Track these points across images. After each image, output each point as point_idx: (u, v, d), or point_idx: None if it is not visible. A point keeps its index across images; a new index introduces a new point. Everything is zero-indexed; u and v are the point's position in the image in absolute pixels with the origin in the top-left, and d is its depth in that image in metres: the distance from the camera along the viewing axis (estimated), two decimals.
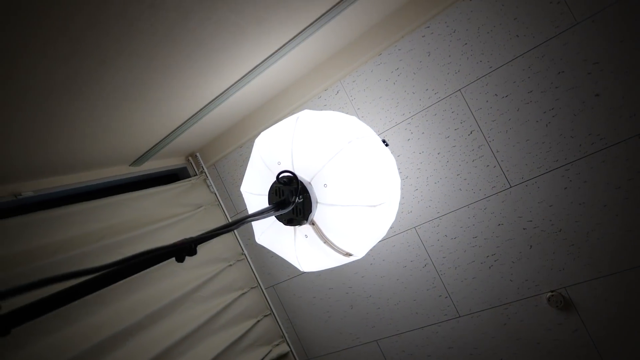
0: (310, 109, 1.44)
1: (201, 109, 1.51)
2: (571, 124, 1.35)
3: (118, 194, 1.54)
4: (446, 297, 1.63)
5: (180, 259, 0.69)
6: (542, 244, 1.44)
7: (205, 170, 1.99)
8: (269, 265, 1.97)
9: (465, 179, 1.51)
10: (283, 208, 1.02)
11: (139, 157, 1.64)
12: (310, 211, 1.07)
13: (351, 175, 1.05)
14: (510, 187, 1.45)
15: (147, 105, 1.27)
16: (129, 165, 1.68)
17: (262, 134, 1.19)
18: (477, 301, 1.58)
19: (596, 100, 1.31)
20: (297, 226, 1.12)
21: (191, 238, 0.71)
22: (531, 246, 1.46)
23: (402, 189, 1.60)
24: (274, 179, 1.07)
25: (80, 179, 1.47)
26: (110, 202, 1.49)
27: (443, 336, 1.66)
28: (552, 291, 1.45)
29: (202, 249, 1.78)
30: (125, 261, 0.60)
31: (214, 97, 1.47)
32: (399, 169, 1.58)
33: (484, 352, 1.60)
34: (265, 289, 2.00)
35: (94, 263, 0.57)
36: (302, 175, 1.07)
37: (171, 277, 1.60)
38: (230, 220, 1.98)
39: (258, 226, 1.27)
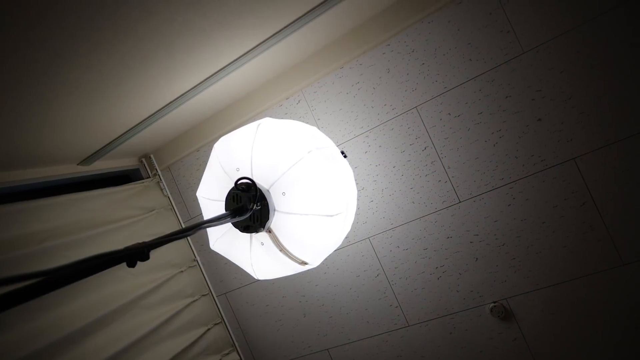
0: (271, 116, 1.45)
1: (159, 110, 1.47)
2: (516, 145, 1.44)
3: (64, 193, 1.46)
4: (396, 307, 1.67)
5: (131, 264, 0.67)
6: (487, 257, 1.52)
7: (159, 172, 1.94)
8: (221, 272, 1.94)
9: (418, 193, 1.57)
10: (240, 215, 1.02)
11: (89, 156, 1.57)
12: (268, 219, 1.07)
13: (310, 184, 1.06)
14: (460, 202, 1.52)
15: (102, 102, 1.22)
16: (77, 164, 1.60)
17: (222, 139, 1.18)
18: (425, 311, 1.63)
19: (538, 125, 1.41)
20: (253, 233, 1.12)
21: (144, 243, 0.70)
22: (477, 259, 1.53)
23: (358, 199, 1.63)
24: (232, 185, 1.06)
25: (22, 176, 1.38)
26: (55, 202, 1.41)
27: (392, 345, 1.70)
28: (494, 302, 1.53)
29: (153, 254, 1.72)
30: (73, 265, 0.58)
31: (173, 99, 1.44)
32: (356, 180, 1.62)
33: None
34: (217, 296, 1.96)
35: (35, 266, 0.55)
36: (261, 182, 1.07)
37: (118, 282, 1.54)
38: (183, 226, 1.94)
39: (213, 232, 1.25)
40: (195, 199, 1.90)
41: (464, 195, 1.52)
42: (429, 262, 1.60)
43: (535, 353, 1.51)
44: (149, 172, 1.95)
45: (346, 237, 1.69)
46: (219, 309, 1.95)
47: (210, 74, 1.39)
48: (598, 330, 1.42)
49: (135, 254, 0.68)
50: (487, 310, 1.54)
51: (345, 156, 1.25)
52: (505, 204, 1.47)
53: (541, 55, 1.39)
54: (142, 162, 1.95)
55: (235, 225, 1.10)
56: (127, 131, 1.51)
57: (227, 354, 1.88)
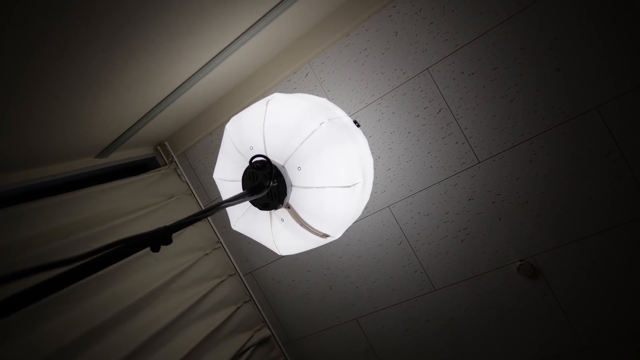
0: (280, 92, 1.43)
1: (168, 96, 1.47)
2: (534, 99, 1.39)
3: (85, 187, 1.49)
4: (421, 273, 1.67)
5: (155, 249, 0.68)
6: (511, 216, 1.49)
7: (175, 159, 1.95)
8: (245, 251, 1.97)
9: (435, 157, 1.54)
10: (258, 193, 1.01)
11: (105, 149, 1.58)
12: (285, 195, 1.07)
13: (324, 157, 1.05)
14: (479, 162, 1.49)
15: (110, 93, 1.22)
16: (95, 157, 1.62)
17: (233, 119, 1.17)
18: (451, 275, 1.63)
19: (557, 75, 1.35)
20: (272, 210, 1.12)
21: (165, 226, 0.70)
22: (500, 218, 1.51)
23: (375, 169, 1.62)
24: (247, 164, 1.06)
25: (43, 173, 1.41)
26: (77, 196, 1.43)
27: (420, 310, 1.71)
28: (520, 260, 1.51)
29: (177, 239, 1.76)
30: (98, 251, 0.58)
31: (180, 83, 1.43)
32: (371, 149, 1.60)
33: (459, 322, 1.66)
34: (243, 275, 2.00)
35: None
36: (276, 159, 1.07)
37: (146, 269, 1.57)
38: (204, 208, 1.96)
39: (233, 213, 1.26)
40: (213, 182, 1.91)
41: (483, 155, 1.48)
42: (451, 225, 1.58)
43: (565, 308, 1.49)
44: (165, 160, 1.97)
45: (366, 208, 1.68)
46: (246, 287, 1.98)
47: (215, 54, 1.37)
48: (628, 279, 1.40)
49: (158, 238, 0.68)
50: (514, 269, 1.53)
51: (358, 125, 1.23)
52: (526, 161, 1.43)
53: (556, 1, 1.32)
54: (157, 150, 1.97)
55: (254, 203, 1.11)
56: (139, 120, 1.52)
57: (259, 329, 1.93)
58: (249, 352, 1.81)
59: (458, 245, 1.59)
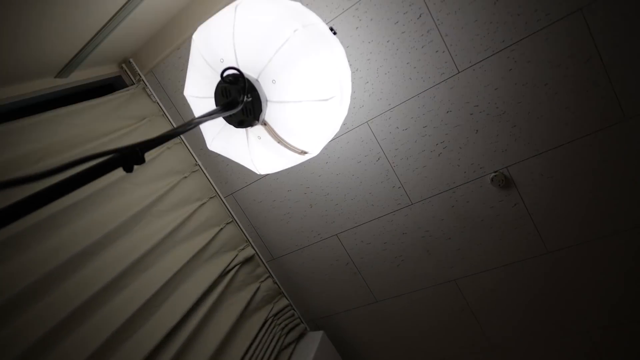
0: None
1: (126, 3, 1.33)
2: (518, 1, 1.32)
3: (49, 110, 1.40)
4: (399, 188, 1.71)
5: (128, 168, 0.64)
6: (487, 128, 1.50)
7: (143, 78, 1.84)
8: (225, 173, 1.95)
9: (414, 67, 1.50)
10: (232, 108, 0.97)
11: (65, 67, 1.47)
12: (261, 110, 1.03)
13: (299, 68, 1.00)
14: (458, 72, 1.45)
15: (61, 3, 1.10)
16: (55, 77, 1.51)
17: (199, 28, 1.09)
18: (427, 188, 1.67)
19: None
20: (248, 128, 1.09)
21: (135, 143, 0.66)
22: (477, 130, 1.51)
23: (352, 82, 1.56)
24: (219, 78, 1.00)
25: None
26: (41, 119, 1.35)
27: (397, 224, 1.78)
28: (495, 172, 1.55)
29: (153, 162, 1.72)
30: (67, 166, 0.55)
31: None
32: (348, 60, 1.54)
33: (435, 234, 1.74)
34: (224, 197, 2.00)
35: (37, 188, 0.52)
36: (249, 72, 1.01)
37: (124, 195, 1.55)
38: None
39: (208, 132, 1.22)
40: (186, 101, 1.83)
41: (463, 65, 1.44)
42: (429, 139, 1.59)
43: (533, 215, 1.57)
44: (133, 79, 1.85)
45: (344, 124, 1.66)
46: (228, 209, 2.00)
47: None
48: (597, 187, 1.46)
49: (129, 156, 0.65)
50: (487, 181, 1.57)
51: (334, 33, 1.16)
52: (506, 69, 1.41)
53: None
54: (122, 68, 1.84)
55: (229, 121, 1.07)
56: (97, 33, 1.39)
57: (243, 249, 1.98)
58: (234, 270, 1.88)
59: (435, 159, 1.61)
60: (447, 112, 1.52)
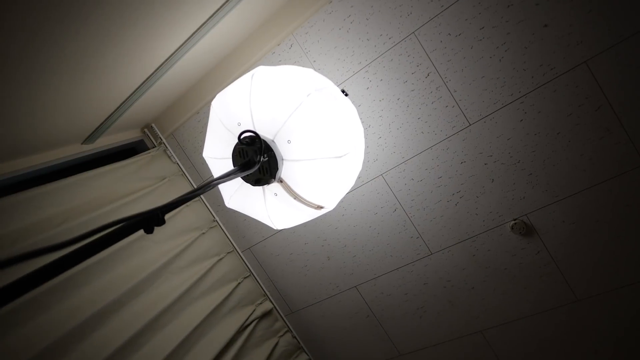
0: (264, 65, 1.40)
1: (150, 76, 1.43)
2: (523, 57, 1.37)
3: (73, 174, 1.47)
4: (417, 238, 1.69)
5: (148, 230, 0.67)
6: (503, 177, 1.50)
7: (164, 140, 1.92)
8: (242, 228, 1.98)
9: (426, 122, 1.53)
10: (249, 168, 1.01)
11: (91, 134, 1.55)
12: (277, 169, 1.07)
13: (314, 128, 1.04)
14: (470, 125, 1.48)
15: (90, 76, 1.18)
16: (81, 144, 1.59)
17: (218, 95, 1.15)
18: (446, 238, 1.65)
19: (545, 31, 1.33)
20: (265, 185, 1.12)
21: (157, 207, 0.69)
22: (493, 180, 1.52)
23: (365, 137, 1.61)
24: (236, 140, 1.05)
25: (29, 162, 1.38)
26: (67, 184, 1.42)
27: (417, 274, 1.75)
28: (514, 219, 1.53)
29: (172, 220, 1.76)
30: (90, 234, 0.57)
31: (162, 62, 1.40)
32: (360, 118, 1.58)
33: (457, 283, 1.70)
34: (241, 252, 2.01)
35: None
36: (265, 133, 1.05)
37: (143, 253, 1.58)
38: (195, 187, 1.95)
39: (226, 190, 1.25)
40: (204, 162, 1.90)
41: (474, 118, 1.47)
42: (444, 190, 1.59)
43: (559, 262, 1.53)
44: (154, 142, 1.94)
45: (359, 177, 1.68)
46: (245, 263, 2.00)
47: (195, 29, 1.33)
48: (621, 233, 1.42)
49: (150, 219, 0.68)
50: (507, 229, 1.55)
51: (346, 94, 1.21)
52: (517, 120, 1.43)
53: None
54: (145, 132, 1.94)
55: (246, 180, 1.10)
56: (122, 102, 1.48)
57: (261, 303, 1.96)
58: (252, 325, 1.85)
59: (452, 209, 1.60)
60: (461, 162, 1.53)
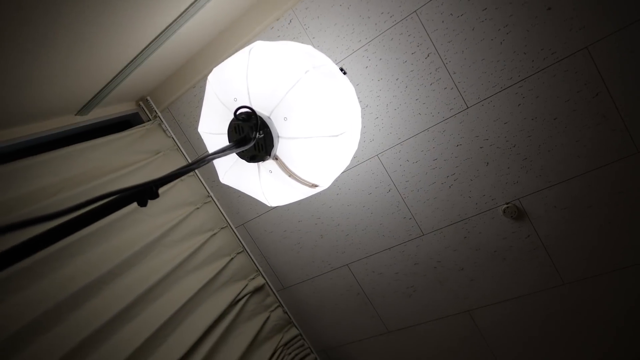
0: (263, 40, 1.37)
1: (145, 48, 1.40)
2: (524, 40, 1.36)
3: (68, 145, 1.46)
4: (410, 219, 1.71)
5: (142, 203, 0.67)
6: (498, 161, 1.51)
7: (159, 114, 1.90)
8: (236, 204, 1.98)
9: (424, 103, 1.53)
10: (244, 145, 1.00)
11: (85, 105, 1.53)
12: (272, 146, 1.06)
13: (310, 106, 1.03)
14: (467, 107, 1.48)
15: (85, 46, 1.16)
16: (75, 115, 1.57)
17: (215, 69, 1.13)
18: (439, 219, 1.67)
19: (548, 14, 1.32)
20: (260, 162, 1.11)
21: (151, 180, 0.69)
22: (487, 163, 1.52)
23: (362, 117, 1.60)
24: (232, 116, 1.04)
25: (23, 132, 1.37)
26: (61, 154, 1.41)
27: (409, 254, 1.77)
28: (507, 203, 1.55)
29: (166, 194, 1.75)
30: (85, 204, 0.58)
31: (158, 34, 1.37)
32: (358, 97, 1.57)
33: (447, 265, 1.72)
34: (235, 227, 2.02)
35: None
36: (261, 110, 1.04)
37: (137, 226, 1.58)
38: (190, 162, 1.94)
39: (221, 166, 1.25)
40: (200, 137, 1.89)
41: (472, 100, 1.47)
42: (439, 172, 1.60)
43: (548, 247, 1.55)
44: (149, 115, 1.92)
45: (355, 157, 1.68)
46: (239, 239, 2.02)
47: (191, 1, 1.30)
48: (612, 219, 1.44)
49: (144, 192, 0.67)
50: (499, 212, 1.57)
51: (344, 73, 1.20)
52: (514, 105, 1.42)
53: None
54: (140, 105, 1.91)
55: (241, 156, 1.10)
56: (117, 74, 1.46)
57: (253, 278, 1.98)
58: (244, 299, 1.87)
59: (446, 191, 1.61)
60: (457, 145, 1.54)
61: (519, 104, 1.42)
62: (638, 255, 1.45)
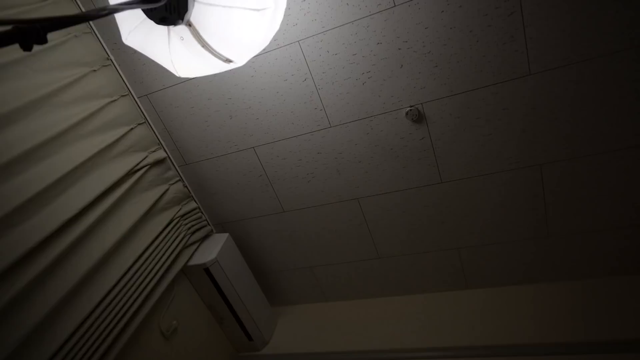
0: None
1: None
2: None
3: None
4: (321, 110, 1.74)
5: (26, 47, 0.58)
6: (412, 64, 1.56)
7: None
8: (140, 73, 1.81)
9: None
10: (153, 1, 0.89)
11: None
12: (187, 10, 0.96)
13: None
14: (395, 5, 1.45)
15: None
16: None
17: None
18: (347, 114, 1.73)
19: None
20: (171, 26, 1.01)
21: (37, 18, 0.58)
22: (402, 65, 1.57)
23: None
24: None
25: None
26: None
27: (314, 143, 1.84)
28: (410, 106, 1.65)
29: (56, 50, 1.53)
30: None
31: None
32: None
33: (347, 156, 1.85)
34: (137, 97, 1.88)
35: None
36: None
37: (21, 79, 1.38)
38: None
39: (125, 24, 1.11)
40: None
41: None
42: (356, 67, 1.61)
43: (436, 149, 1.73)
44: None
45: (274, 40, 1.60)
46: (141, 109, 1.89)
47: None
48: (494, 131, 1.64)
49: (29, 33, 0.57)
50: (403, 114, 1.67)
51: None
52: (438, 10, 1.44)
53: None
54: None
55: (150, 15, 0.98)
56: None
57: (154, 151, 1.92)
58: (142, 170, 1.82)
59: (359, 87, 1.65)
60: (378, 43, 1.54)
61: (442, 11, 1.43)
62: (503, 164, 1.70)
